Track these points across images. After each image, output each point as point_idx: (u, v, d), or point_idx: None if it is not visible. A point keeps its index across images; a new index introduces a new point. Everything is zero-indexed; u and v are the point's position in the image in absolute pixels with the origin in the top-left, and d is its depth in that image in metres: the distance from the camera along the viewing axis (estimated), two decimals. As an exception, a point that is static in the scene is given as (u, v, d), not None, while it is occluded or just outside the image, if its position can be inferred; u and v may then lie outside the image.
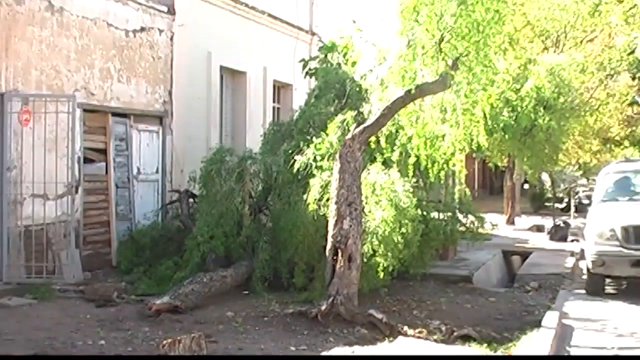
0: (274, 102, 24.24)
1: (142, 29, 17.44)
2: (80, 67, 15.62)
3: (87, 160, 15.90)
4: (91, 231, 16.00)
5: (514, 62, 12.01)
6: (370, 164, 13.27)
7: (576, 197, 35.06)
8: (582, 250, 18.14)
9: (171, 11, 18.32)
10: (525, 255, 20.69)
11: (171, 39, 18.35)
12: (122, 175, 17.03)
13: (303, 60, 19.31)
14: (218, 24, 20.34)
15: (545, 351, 10.00)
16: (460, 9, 10.54)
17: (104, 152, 16.48)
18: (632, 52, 29.93)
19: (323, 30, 26.32)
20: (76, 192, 14.90)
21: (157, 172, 18.24)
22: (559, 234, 24.35)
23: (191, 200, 16.83)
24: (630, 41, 28.08)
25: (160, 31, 18.02)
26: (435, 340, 10.50)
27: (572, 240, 23.56)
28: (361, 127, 11.95)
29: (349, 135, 11.96)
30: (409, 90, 11.19)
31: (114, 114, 16.73)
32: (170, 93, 18.40)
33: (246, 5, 21.77)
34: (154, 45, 17.83)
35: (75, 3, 15.47)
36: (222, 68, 20.97)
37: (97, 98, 16.07)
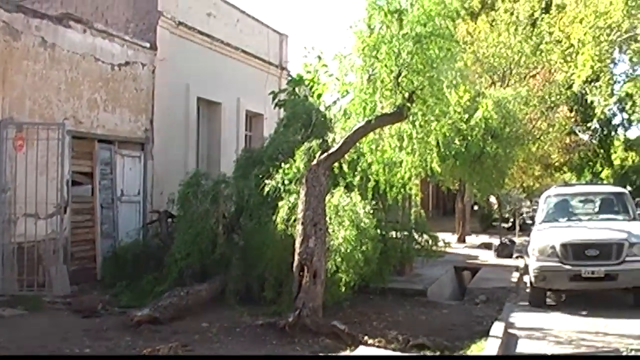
0: (246, 130, 24.20)
1: (127, 63, 17.39)
2: (70, 98, 15.55)
3: (75, 183, 15.81)
4: (78, 248, 15.88)
5: (465, 95, 11.96)
6: (334, 188, 13.23)
7: (520, 217, 35.16)
8: (526, 266, 18.21)
9: (153, 47, 18.31)
10: (475, 270, 20.71)
11: (153, 72, 18.31)
12: (106, 197, 16.92)
13: (273, 92, 19.36)
14: (196, 58, 20.32)
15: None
16: (416, 47, 10.59)
17: (90, 175, 16.40)
18: (570, 87, 30.30)
19: (292, 65, 26.41)
20: (65, 212, 14.78)
21: (138, 194, 18.14)
22: (505, 251, 24.40)
23: (170, 220, 16.74)
24: (568, 77, 28.35)
25: (143, 65, 17.97)
26: (393, 349, 10.46)
27: (517, 257, 23.62)
28: (325, 154, 11.92)
29: (315, 162, 11.92)
30: (369, 121, 11.20)
31: (100, 141, 16.66)
32: (151, 121, 18.36)
33: (221, 41, 21.78)
34: (137, 78, 17.77)
35: (66, 39, 15.44)
36: (199, 99, 20.95)
37: (84, 126, 16.00)
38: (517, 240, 27.06)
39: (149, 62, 18.21)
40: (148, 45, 18.16)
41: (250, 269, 13.86)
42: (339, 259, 12.29)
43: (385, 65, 10.75)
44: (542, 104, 32.16)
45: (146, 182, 18.31)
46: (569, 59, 27.51)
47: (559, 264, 14.62)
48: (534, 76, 33.33)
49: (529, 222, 32.32)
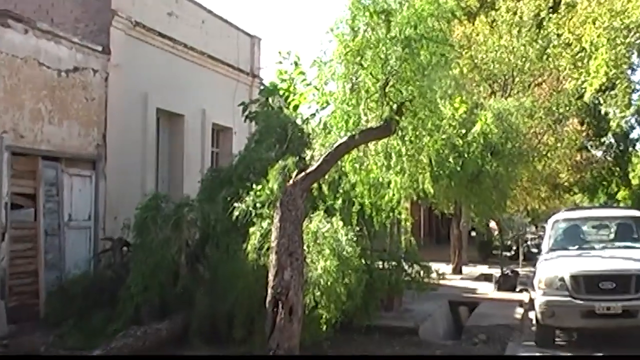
0: (212, 146, 24.25)
1: (75, 69, 17.36)
2: (9, 108, 15.46)
3: (14, 206, 15.67)
4: (18, 281, 15.71)
5: (461, 106, 12.03)
6: (312, 212, 13.22)
7: (525, 245, 35.36)
8: (531, 300, 18.25)
9: (106, 50, 18.29)
10: (472, 305, 20.74)
11: (106, 79, 18.29)
12: (52, 222, 16.80)
13: (243, 103, 19.38)
14: (155, 64, 20.34)
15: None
16: (406, 52, 10.59)
17: (33, 197, 16.27)
18: (581, 96, 30.34)
19: (265, 72, 26.45)
20: (2, 239, 14.69)
21: (89, 219, 18.05)
22: (507, 283, 24.46)
23: (125, 248, 16.71)
24: (579, 85, 28.49)
25: (95, 71, 17.96)
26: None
27: (521, 290, 23.70)
28: (303, 173, 11.90)
29: (291, 182, 11.89)
30: (353, 136, 11.15)
31: (45, 158, 16.56)
32: (104, 136, 18.31)
33: (185, 45, 21.81)
34: (88, 86, 17.75)
35: (4, 41, 15.36)
36: (158, 110, 20.95)
37: (26, 140, 15.91)
38: (521, 271, 27.16)
39: (101, 67, 18.19)
40: (100, 48, 18.14)
41: (217, 305, 13.81)
42: (319, 293, 12.26)
43: (371, 73, 10.76)
44: (549, 116, 32.37)
45: (98, 205, 18.23)
46: (579, 64, 27.73)
47: (569, 299, 14.65)
48: (539, 84, 33.58)
49: (535, 250, 32.48)
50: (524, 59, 31.46)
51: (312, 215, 13.13)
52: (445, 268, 24.80)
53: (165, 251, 14.53)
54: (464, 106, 12.85)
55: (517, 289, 24.02)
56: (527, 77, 32.77)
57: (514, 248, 36.27)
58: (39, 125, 16.26)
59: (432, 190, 12.50)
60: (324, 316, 12.31)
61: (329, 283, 12.28)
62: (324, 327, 12.44)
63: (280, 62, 18.22)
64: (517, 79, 32.40)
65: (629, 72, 30.55)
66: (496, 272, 26.14)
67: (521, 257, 31.61)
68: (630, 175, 54.40)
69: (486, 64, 31.49)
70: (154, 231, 14.94)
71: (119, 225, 17.04)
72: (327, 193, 12.74)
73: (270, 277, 11.43)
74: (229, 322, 13.44)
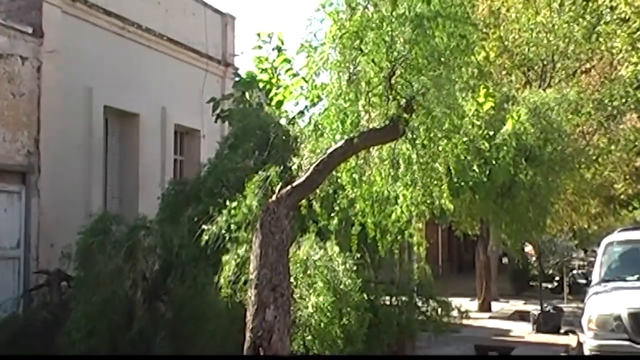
0: (175, 153, 24.34)
1: (-1, 56, 17.38)
2: None
3: None
4: None
5: (487, 101, 12.11)
6: (301, 236, 13.31)
7: (570, 274, 35.49)
8: (580, 345, 18.32)
9: (38, 33, 18.26)
10: (505, 351, 20.77)
11: (38, 69, 18.29)
12: (-33, 251, 16.85)
13: (213, 99, 19.44)
14: (102, 51, 20.38)
15: None
16: (416, 34, 10.60)
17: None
18: (641, 86, 30.37)
19: (241, 60, 26.52)
20: None
21: (17, 246, 18.04)
22: (549, 323, 24.55)
23: (64, 283, 16.66)
24: (638, 71, 28.48)
25: (24, 59, 17.96)
26: None
27: (566, 332, 23.80)
28: (289, 187, 11.90)
29: (274, 198, 11.94)
30: (351, 139, 11.15)
31: (-43, 169, 16.60)
32: (36, 141, 18.30)
33: (139, 26, 21.89)
34: (15, 78, 17.74)
35: None
36: (106, 109, 20.96)
37: (-64, 147, 15.98)
38: (566, 307, 27.24)
39: (33, 54, 18.21)
40: (30, 30, 18.15)
41: (182, 352, 13.86)
42: (310, 337, 12.35)
43: (373, 61, 10.81)
44: (600, 111, 32.40)
45: (29, 229, 18.19)
46: (639, 45, 27.72)
47: (628, 342, 14.71)
48: (587, 71, 33.65)
49: (583, 281, 32.52)
50: (567, 40, 31.52)
51: (300, 240, 13.21)
52: (470, 304, 24.89)
53: (117, 286, 14.51)
54: (490, 100, 12.95)
55: (562, 330, 24.10)
56: (571, 63, 32.86)
57: (557, 278, 36.38)
58: (-50, 128, 16.33)
59: (451, 207, 12.53)
60: (316, 367, 12.35)
61: (322, 324, 12.35)
62: (316, 382, 12.48)
63: (260, 47, 18.35)
64: (558, 65, 32.50)
65: None
66: (534, 309, 26.23)
67: (566, 290, 31.69)
68: None
69: (519, 46, 31.58)
70: (102, 261, 14.90)
71: (56, 255, 16.95)
72: (320, 211, 12.70)
73: (249, 317, 11.46)
74: (197, 374, 13.52)
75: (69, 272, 16.38)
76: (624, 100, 32.39)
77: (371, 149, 11.87)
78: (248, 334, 11.37)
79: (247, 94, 18.30)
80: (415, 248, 14.96)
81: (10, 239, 17.87)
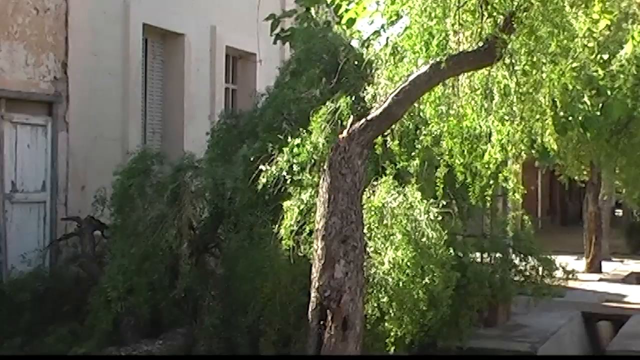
0: (227, 81, 24.37)
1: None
2: None
3: None
4: None
5: (602, 18, 11.69)
6: (377, 179, 13.17)
7: None
8: None
9: None
10: (619, 320, 20.54)
11: (66, -21, 18.18)
12: (-14, 195, 16.84)
13: (272, 16, 19.27)
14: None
15: None
16: None
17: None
18: None
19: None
20: None
21: (43, 189, 18.02)
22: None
23: (98, 233, 16.64)
24: None
25: (48, -33, 17.85)
26: None
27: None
28: (363, 120, 11.75)
29: (345, 134, 11.75)
30: (437, 64, 10.98)
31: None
32: (64, 65, 18.21)
33: None
34: (39, -10, 17.64)
35: None
36: (146, 27, 20.87)
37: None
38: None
39: (59, -39, 18.11)
40: None
41: (234, 316, 13.87)
42: (386, 299, 12.32)
43: (465, -31, 10.61)
44: None
45: (56, 169, 18.15)
46: None
47: None
48: None
49: None
50: None
51: (375, 184, 13.05)
52: (576, 264, 24.67)
53: (159, 236, 14.53)
54: (607, 18, 12.50)
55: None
56: None
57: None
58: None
59: (555, 146, 12.37)
60: (393, 332, 12.27)
61: (401, 283, 12.26)
62: (393, 349, 12.37)
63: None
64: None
65: None
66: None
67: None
68: None
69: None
70: (142, 207, 15.00)
71: (88, 199, 17.01)
72: (399, 150, 12.55)
73: (315, 274, 11.35)
74: (253, 341, 13.45)
75: (102, 219, 16.42)
76: None
77: (461, 77, 11.65)
78: (313, 294, 11.25)
79: (312, 11, 18.13)
80: (510, 195, 14.69)
81: (34, 180, 17.80)
